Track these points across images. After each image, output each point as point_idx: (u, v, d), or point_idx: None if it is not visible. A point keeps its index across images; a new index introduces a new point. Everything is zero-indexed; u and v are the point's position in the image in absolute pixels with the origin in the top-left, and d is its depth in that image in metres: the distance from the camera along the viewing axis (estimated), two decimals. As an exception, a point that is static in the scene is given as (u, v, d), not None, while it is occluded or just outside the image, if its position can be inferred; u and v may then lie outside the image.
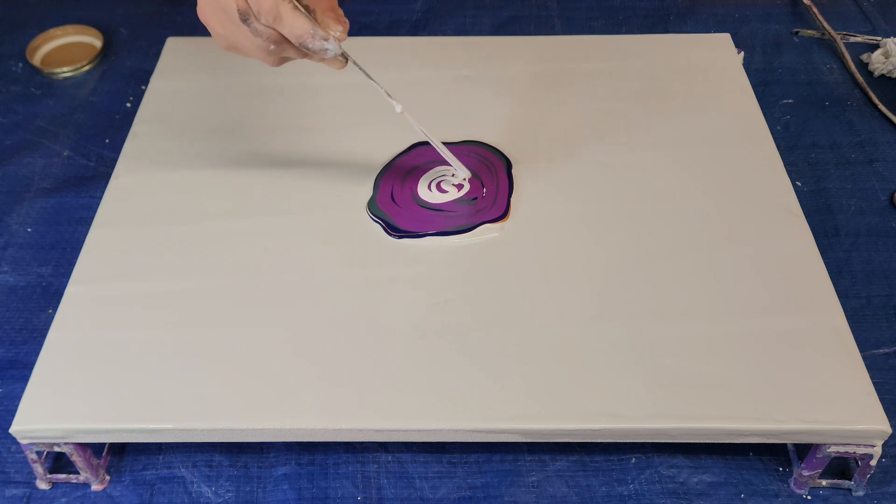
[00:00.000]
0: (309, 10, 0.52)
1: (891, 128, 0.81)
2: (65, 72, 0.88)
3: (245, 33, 0.52)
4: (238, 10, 0.51)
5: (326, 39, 0.52)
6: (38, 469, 0.57)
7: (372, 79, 0.58)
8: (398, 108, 0.59)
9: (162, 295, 0.59)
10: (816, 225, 0.71)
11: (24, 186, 0.77)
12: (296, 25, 0.51)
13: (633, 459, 0.58)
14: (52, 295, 0.68)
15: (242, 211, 0.65)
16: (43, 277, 0.70)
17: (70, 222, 0.74)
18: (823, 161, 0.78)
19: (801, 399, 0.53)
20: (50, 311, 0.67)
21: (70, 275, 0.61)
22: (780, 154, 0.68)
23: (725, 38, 0.79)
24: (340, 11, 0.54)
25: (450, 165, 0.65)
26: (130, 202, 0.65)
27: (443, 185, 0.65)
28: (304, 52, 0.54)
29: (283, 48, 0.54)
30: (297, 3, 0.51)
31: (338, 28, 0.53)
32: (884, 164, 0.77)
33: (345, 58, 0.55)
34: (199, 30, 0.56)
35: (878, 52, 0.87)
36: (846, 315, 0.57)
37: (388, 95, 0.59)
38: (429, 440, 0.56)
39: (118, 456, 0.59)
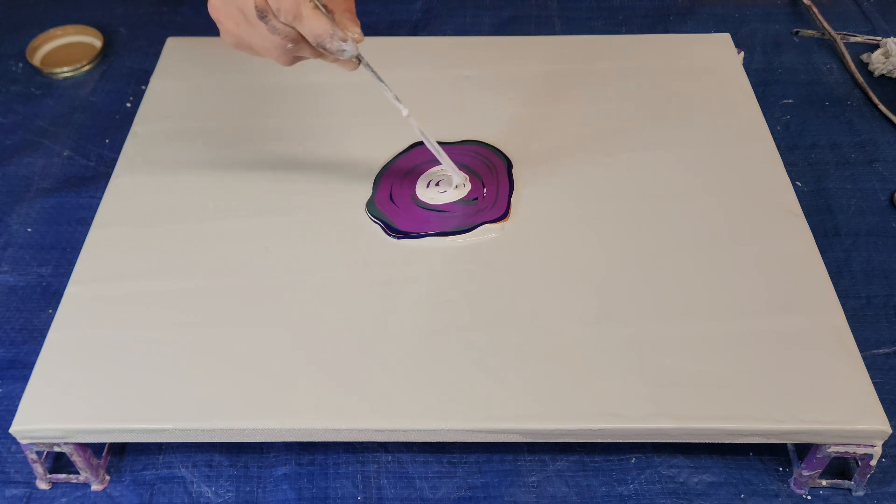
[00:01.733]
0: (328, 11, 0.52)
1: (891, 128, 0.81)
2: (65, 72, 0.88)
3: (261, 31, 0.51)
4: (256, 6, 0.50)
5: (345, 40, 0.52)
6: (38, 469, 0.57)
7: (382, 81, 0.58)
8: (405, 112, 0.59)
9: (162, 295, 0.59)
10: (816, 225, 0.71)
11: (24, 186, 0.77)
12: (316, 25, 0.51)
13: (633, 459, 0.58)
14: (52, 295, 0.68)
15: (242, 211, 0.65)
16: (43, 277, 0.70)
17: (70, 222, 0.74)
18: (823, 161, 0.78)
19: (801, 399, 0.53)
20: (50, 311, 0.67)
21: (70, 275, 0.61)
22: (780, 154, 0.68)
23: (725, 38, 0.79)
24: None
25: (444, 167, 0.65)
26: (130, 202, 0.65)
27: (442, 186, 0.65)
28: (319, 52, 0.53)
29: (300, 48, 0.53)
30: (317, 3, 0.51)
31: (356, 30, 0.53)
32: (884, 164, 0.77)
33: (358, 59, 0.55)
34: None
35: (878, 52, 0.87)
36: (846, 315, 0.57)
37: (397, 99, 0.58)
38: (429, 440, 0.56)
39: (118, 456, 0.59)
